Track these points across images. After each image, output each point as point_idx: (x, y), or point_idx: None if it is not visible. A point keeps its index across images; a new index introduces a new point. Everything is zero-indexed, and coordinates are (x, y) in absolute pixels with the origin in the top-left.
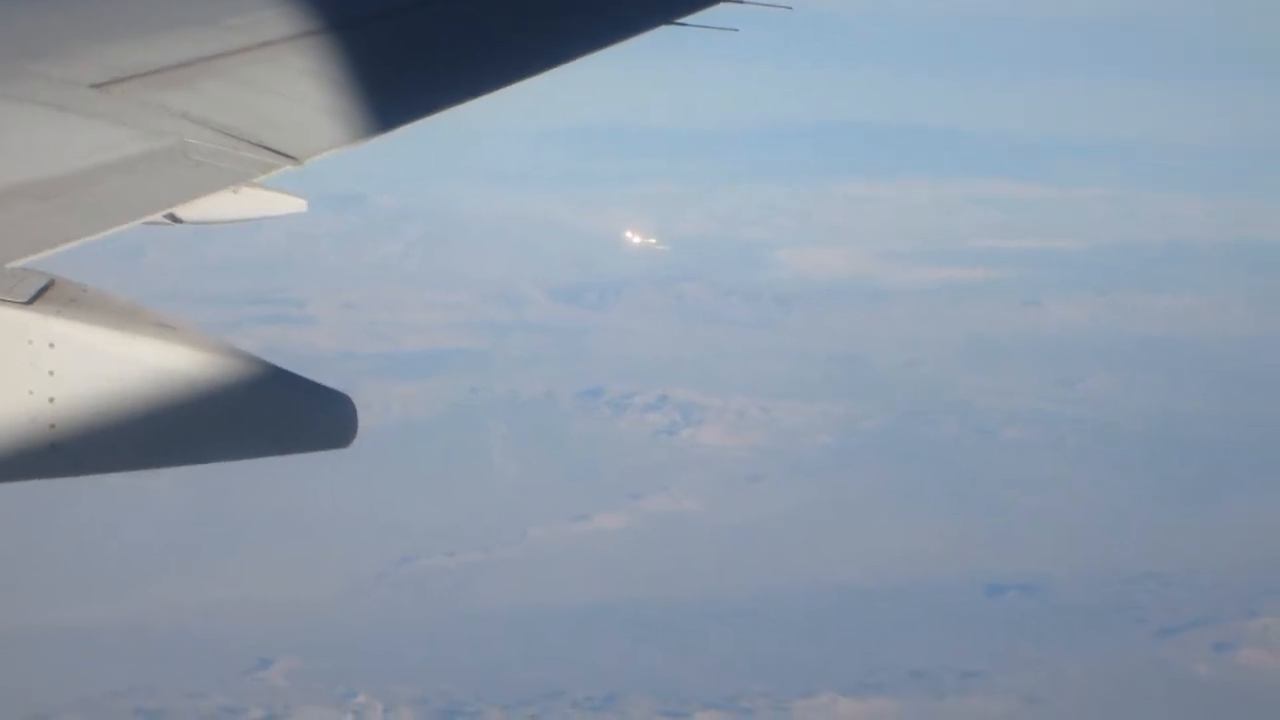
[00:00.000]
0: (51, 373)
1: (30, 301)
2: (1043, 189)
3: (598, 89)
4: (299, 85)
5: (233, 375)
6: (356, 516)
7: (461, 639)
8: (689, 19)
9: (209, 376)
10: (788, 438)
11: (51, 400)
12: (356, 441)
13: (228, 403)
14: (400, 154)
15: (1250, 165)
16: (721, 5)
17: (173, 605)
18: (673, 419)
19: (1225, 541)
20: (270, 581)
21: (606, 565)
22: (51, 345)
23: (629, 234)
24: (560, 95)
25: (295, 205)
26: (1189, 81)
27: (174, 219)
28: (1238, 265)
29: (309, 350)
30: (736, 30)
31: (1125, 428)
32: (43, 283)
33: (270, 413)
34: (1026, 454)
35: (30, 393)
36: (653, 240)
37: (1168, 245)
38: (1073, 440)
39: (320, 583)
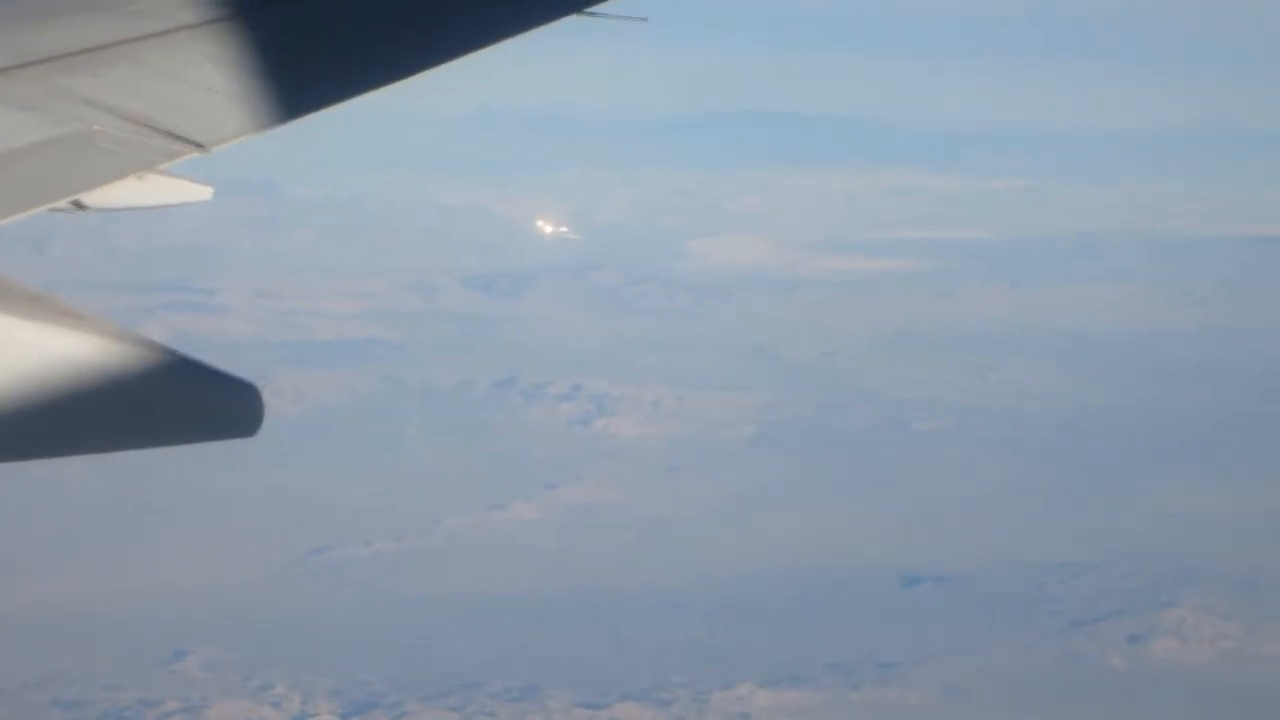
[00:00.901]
0: None
1: None
2: (957, 180)
3: (507, 77)
4: (207, 71)
5: (138, 364)
6: (271, 505)
7: (379, 629)
8: (598, 8)
9: (114, 365)
10: (703, 428)
11: None
12: (271, 430)
13: (133, 391)
14: (312, 142)
15: (1161, 156)
16: None
17: (87, 594)
18: (587, 409)
19: (1138, 532)
20: (185, 571)
21: (524, 555)
22: None
23: (541, 223)
24: (469, 83)
25: (201, 193)
26: (1100, 72)
27: (79, 206)
28: (1149, 256)
29: (222, 338)
30: (645, 20)
31: (1039, 419)
32: None
33: (176, 401)
34: (941, 445)
35: None
36: (565, 229)
37: (1080, 236)
38: (987, 431)
39: (236, 572)
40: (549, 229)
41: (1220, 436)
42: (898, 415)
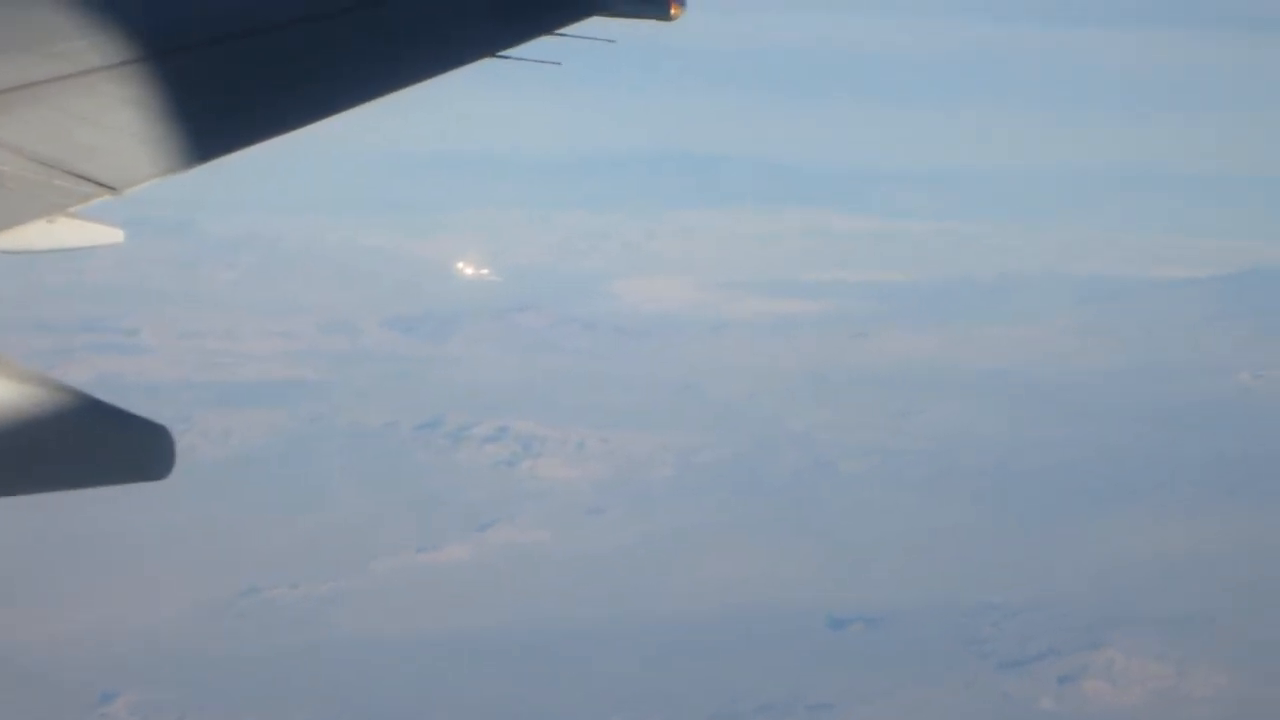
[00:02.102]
0: None
1: None
2: (874, 221)
3: (422, 118)
4: (118, 114)
5: (47, 406)
6: (199, 546)
7: (310, 670)
8: (513, 52)
9: (21, 408)
10: (629, 469)
11: None
12: (198, 470)
13: (41, 434)
14: (231, 182)
15: (1076, 198)
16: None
17: (13, 638)
18: (513, 450)
19: (1067, 573)
20: (112, 612)
21: (453, 597)
22: None
23: (461, 264)
24: (386, 124)
25: (112, 236)
26: (1014, 114)
27: None
28: (1066, 297)
29: (145, 379)
30: (559, 64)
31: (963, 459)
32: None
33: (85, 444)
34: (866, 486)
35: None
36: (485, 270)
37: (998, 277)
38: (912, 472)
39: (164, 613)
40: (469, 270)
41: (1145, 477)
42: (822, 456)
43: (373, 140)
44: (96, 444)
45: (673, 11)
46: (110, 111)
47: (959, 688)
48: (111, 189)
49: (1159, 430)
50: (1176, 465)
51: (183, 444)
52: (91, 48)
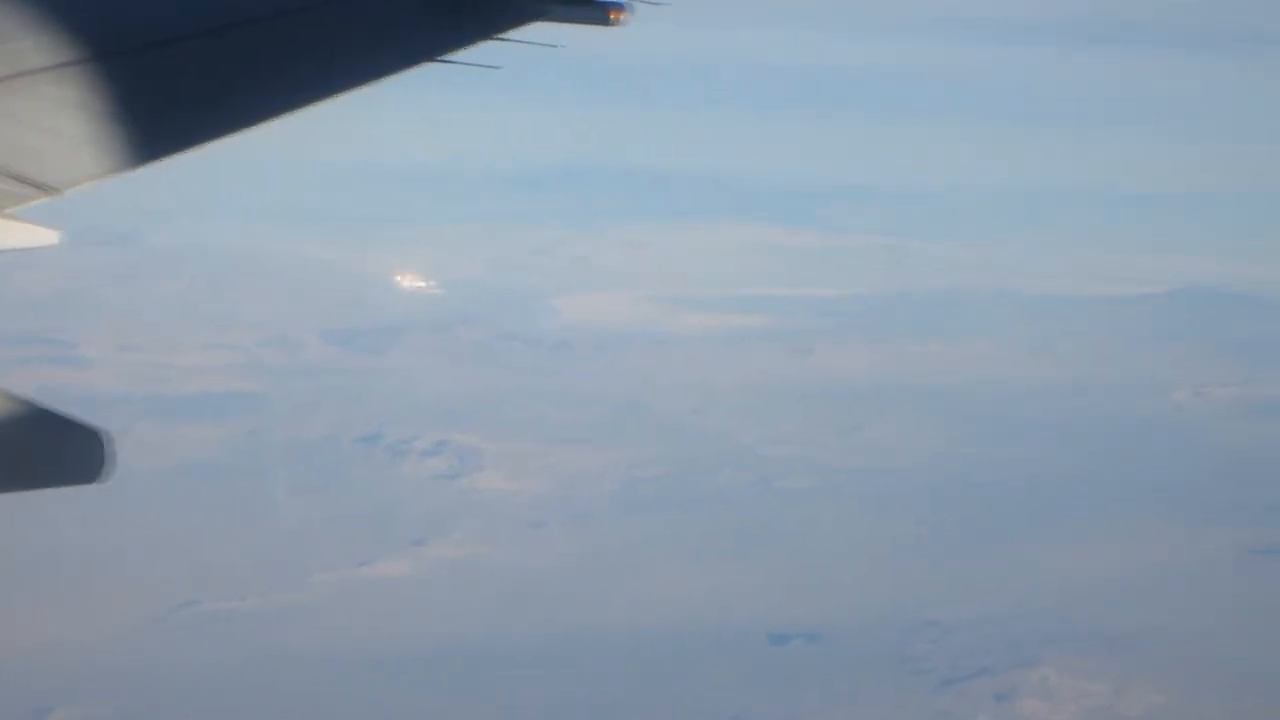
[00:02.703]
0: None
1: None
2: (812, 236)
3: (365, 129)
4: (57, 116)
5: None
6: (138, 559)
7: (249, 685)
8: (454, 56)
9: None
10: (570, 484)
11: None
12: (137, 483)
13: None
14: (172, 192)
15: (1015, 215)
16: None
17: None
18: (453, 464)
19: (1003, 590)
20: (49, 627)
21: (394, 611)
22: None
23: (400, 277)
24: (327, 136)
25: (47, 237)
26: (954, 130)
27: None
28: (1007, 313)
29: (84, 392)
30: (500, 68)
31: (903, 476)
32: None
33: (20, 447)
34: (807, 502)
35: None
36: (426, 283)
37: (938, 293)
38: (852, 489)
39: (101, 628)
40: (409, 283)
41: (1082, 495)
42: (764, 472)
43: (314, 152)
44: (31, 447)
45: (613, 17)
46: (50, 113)
47: (897, 705)
48: (51, 190)
49: (1097, 448)
50: (1113, 483)
51: (123, 456)
52: (31, 49)
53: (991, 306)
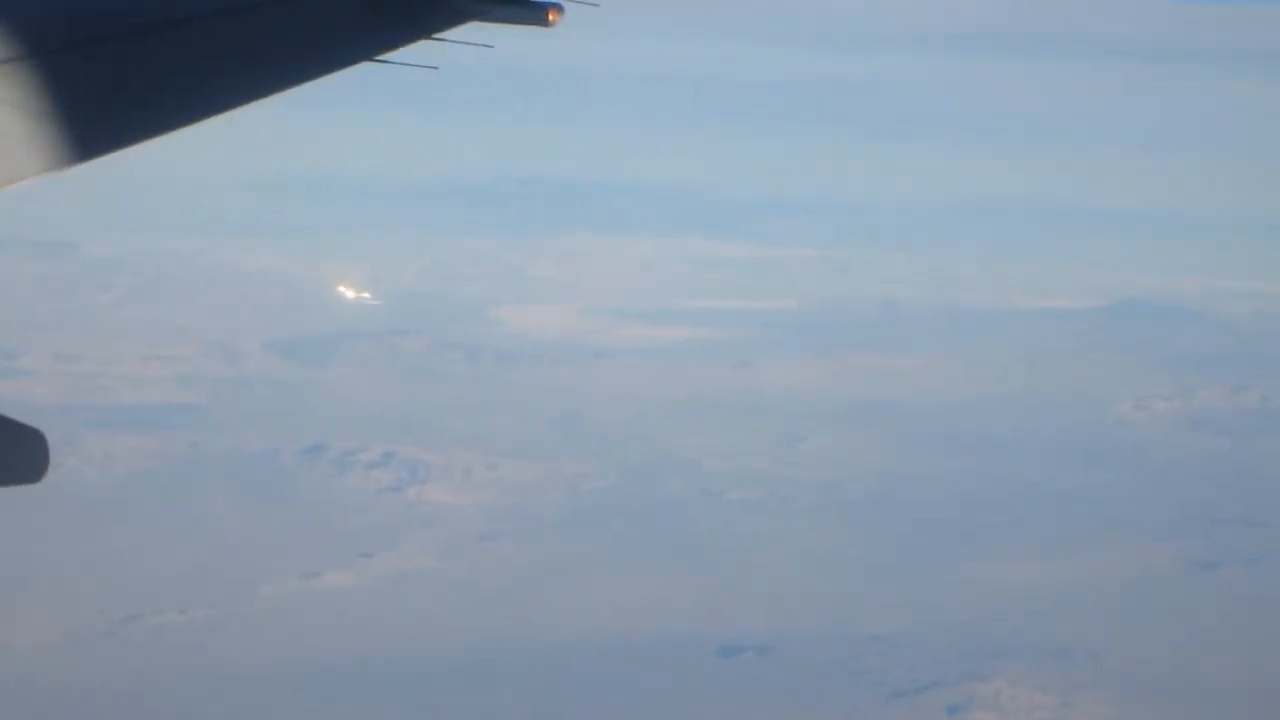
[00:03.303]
0: None
1: None
2: (752, 248)
3: (300, 139)
4: None
5: None
6: (80, 571)
7: (194, 698)
8: (390, 56)
9: None
10: (517, 496)
11: None
12: (78, 494)
13: None
14: (110, 203)
15: (953, 225)
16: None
17: None
18: (399, 476)
19: (951, 603)
20: None
21: (339, 624)
22: None
23: (340, 287)
24: (262, 146)
25: None
26: (892, 143)
27: None
28: (946, 326)
29: (23, 402)
30: (436, 68)
31: (848, 489)
32: None
33: None
34: (752, 515)
35: None
36: (366, 294)
37: (878, 306)
38: (797, 501)
39: (43, 641)
40: (349, 293)
41: (1026, 507)
42: (708, 485)
43: (247, 161)
44: None
45: (550, 18)
46: None
47: (850, 717)
48: None
49: (1041, 461)
50: (1058, 496)
51: (63, 468)
52: None
53: (931, 320)
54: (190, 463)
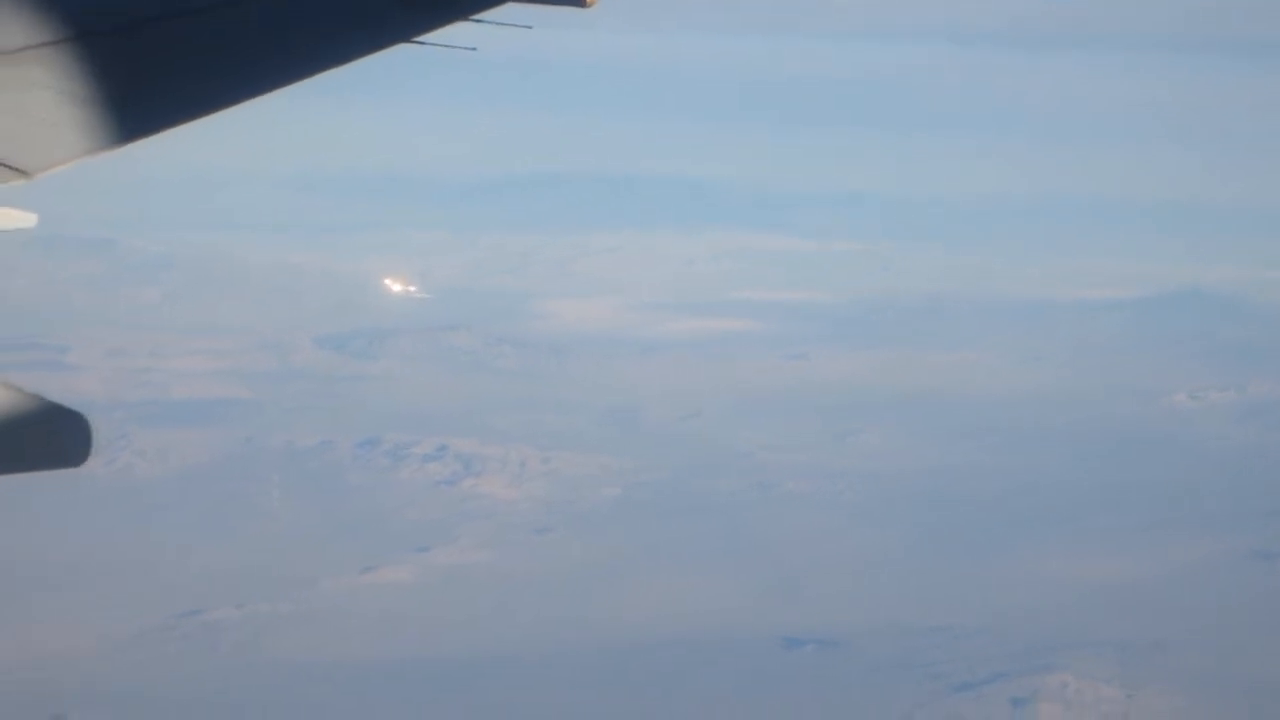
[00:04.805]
0: None
1: None
2: (796, 242)
3: (342, 133)
4: (27, 98)
5: None
6: (139, 567)
7: (253, 693)
8: (428, 38)
9: None
10: (571, 489)
11: None
12: (136, 490)
13: None
14: (153, 201)
15: (1004, 219)
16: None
17: None
18: (454, 469)
19: (1012, 596)
20: (55, 635)
21: (399, 618)
22: None
23: (389, 282)
24: (304, 141)
25: (24, 220)
26: (936, 135)
27: None
28: (991, 320)
29: (75, 398)
30: (474, 49)
31: (903, 482)
32: None
33: (6, 431)
34: (809, 507)
35: None
36: (414, 288)
37: (926, 299)
38: (851, 494)
39: (107, 636)
40: (397, 288)
41: (1081, 500)
42: (762, 478)
43: (291, 157)
44: (11, 430)
45: (588, 0)
46: (22, 96)
47: (915, 709)
48: (23, 173)
49: (1095, 453)
50: (1114, 489)
51: (119, 464)
52: (2, 32)
53: (980, 313)
54: (245, 458)
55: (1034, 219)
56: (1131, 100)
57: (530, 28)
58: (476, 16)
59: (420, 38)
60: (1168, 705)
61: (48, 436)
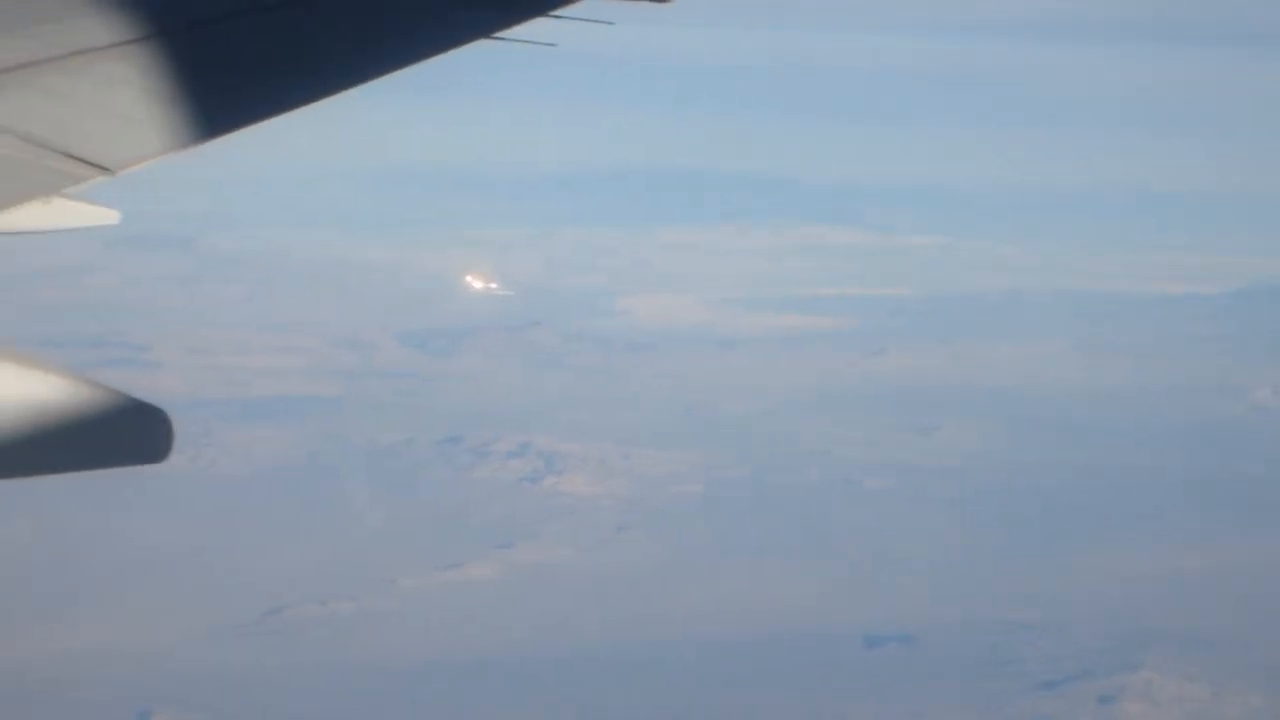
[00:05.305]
0: None
1: None
2: (866, 236)
3: (420, 129)
4: (110, 95)
5: (46, 391)
6: (224, 564)
7: (339, 690)
8: (508, 34)
9: (17, 390)
10: (652, 486)
11: None
12: (219, 488)
13: (40, 417)
14: (235, 197)
15: (1081, 211)
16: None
17: (41, 658)
18: (535, 466)
19: (1094, 592)
20: (140, 632)
21: (481, 615)
22: None
23: (470, 279)
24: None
25: (107, 216)
26: (1013, 131)
27: None
28: (1072, 313)
29: (158, 395)
30: (554, 45)
31: (983, 477)
32: None
33: (87, 426)
34: (890, 504)
35: None
36: (494, 285)
37: (1002, 293)
38: (935, 490)
39: (191, 632)
40: (478, 285)
41: (1163, 496)
42: (844, 474)
43: (371, 153)
44: (94, 427)
45: None
46: (104, 92)
47: (999, 707)
48: (105, 169)
49: (1178, 448)
50: (1197, 484)
51: (202, 461)
52: (86, 28)
53: (1060, 306)
54: (327, 454)
55: (1114, 212)
56: (1215, 90)
57: (610, 23)
58: (556, 12)
59: (500, 34)
60: (1253, 703)
61: (128, 432)
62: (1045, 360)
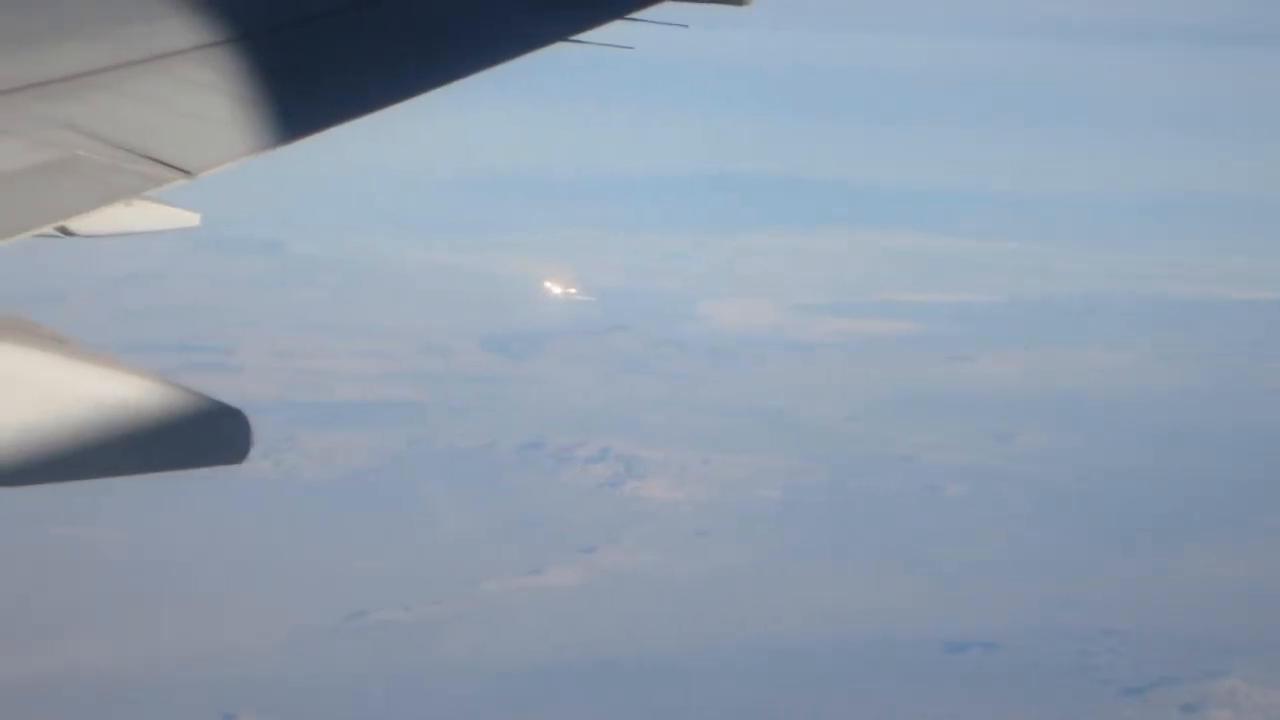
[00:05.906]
0: None
1: None
2: (955, 242)
3: (495, 133)
4: (191, 98)
5: (124, 391)
6: (307, 567)
7: (424, 695)
8: (584, 37)
9: (94, 391)
10: (732, 491)
11: None
12: (303, 491)
13: (120, 418)
14: (316, 201)
15: (1154, 220)
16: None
17: (125, 659)
18: (616, 471)
19: (1177, 598)
20: (224, 635)
21: (565, 620)
22: None
23: (549, 284)
24: (457, 141)
25: (188, 219)
26: (1093, 136)
27: (66, 232)
28: (1154, 319)
29: (241, 399)
30: (631, 48)
31: (1066, 484)
32: None
33: (166, 428)
34: (971, 509)
35: None
36: (574, 290)
37: (1084, 298)
38: (1015, 496)
39: (274, 636)
40: (558, 290)
41: (1244, 502)
42: (925, 480)
43: (445, 157)
44: (174, 428)
45: None
46: (184, 95)
47: (1080, 714)
48: (186, 173)
49: (1264, 454)
50: (1278, 490)
51: (285, 465)
52: (165, 31)
53: (1136, 312)
54: (409, 459)
55: (1196, 217)
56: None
57: (686, 26)
58: (633, 15)
59: (577, 37)
60: None
61: (207, 433)
62: (1128, 366)
